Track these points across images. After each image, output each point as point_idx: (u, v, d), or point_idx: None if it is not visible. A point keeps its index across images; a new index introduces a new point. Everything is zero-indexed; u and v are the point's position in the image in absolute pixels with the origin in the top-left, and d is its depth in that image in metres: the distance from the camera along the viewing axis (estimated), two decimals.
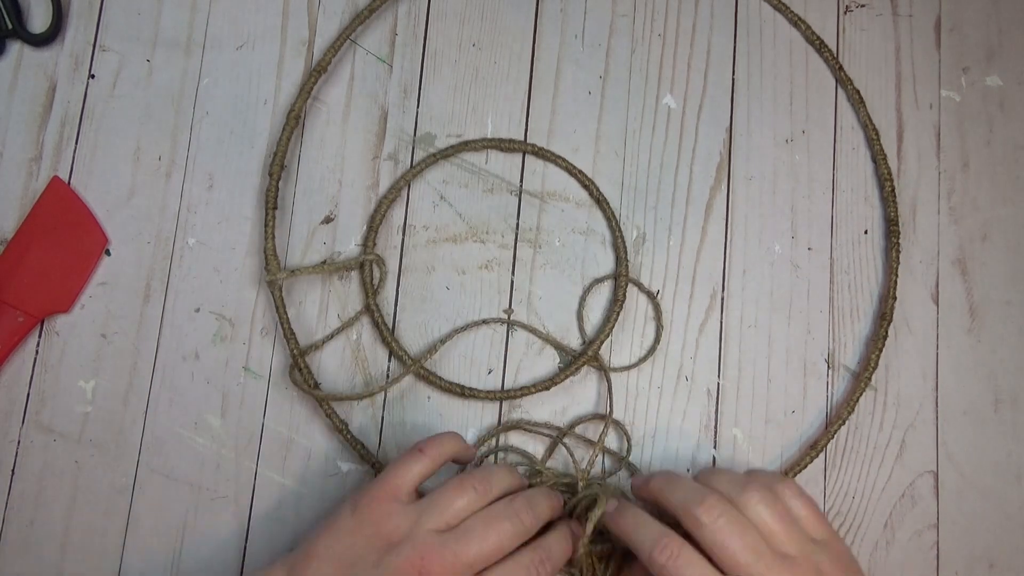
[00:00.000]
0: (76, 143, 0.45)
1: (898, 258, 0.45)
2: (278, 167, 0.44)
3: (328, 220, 0.45)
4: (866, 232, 0.46)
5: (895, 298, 0.45)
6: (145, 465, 0.42)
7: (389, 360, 0.44)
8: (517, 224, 0.45)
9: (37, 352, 0.43)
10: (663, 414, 0.44)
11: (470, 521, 0.36)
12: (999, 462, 0.44)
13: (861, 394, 0.43)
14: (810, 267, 0.45)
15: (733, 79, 0.47)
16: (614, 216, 0.45)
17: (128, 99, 0.46)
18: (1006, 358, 0.45)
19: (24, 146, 0.45)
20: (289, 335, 0.42)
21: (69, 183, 0.45)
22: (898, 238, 0.45)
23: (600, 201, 0.45)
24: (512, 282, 0.45)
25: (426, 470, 0.38)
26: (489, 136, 0.46)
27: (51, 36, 0.45)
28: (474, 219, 0.45)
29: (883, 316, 0.44)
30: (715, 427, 0.44)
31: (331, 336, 0.44)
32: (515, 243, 0.45)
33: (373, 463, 0.42)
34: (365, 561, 0.35)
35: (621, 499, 0.39)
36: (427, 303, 0.45)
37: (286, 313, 0.43)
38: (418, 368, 0.43)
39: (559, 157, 0.46)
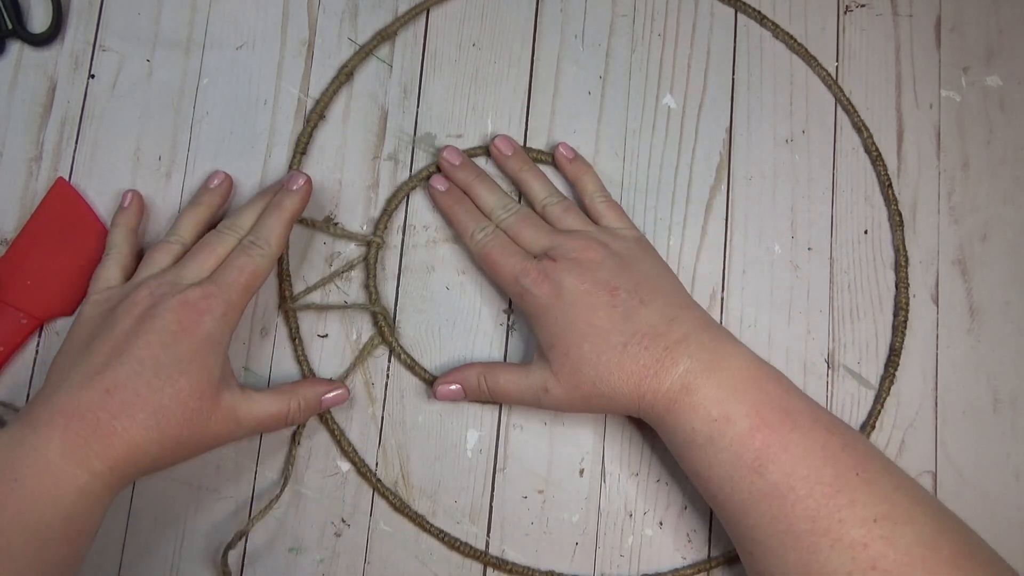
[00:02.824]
0: (76, 143, 0.45)
1: (906, 252, 0.45)
2: (316, 116, 0.45)
3: (328, 220, 0.45)
4: (866, 232, 0.46)
5: (908, 285, 0.45)
6: None
7: (389, 360, 0.44)
8: None
9: (37, 352, 0.43)
10: None
11: (192, 249, 0.40)
12: (998, 462, 0.44)
13: (891, 381, 0.44)
14: (810, 267, 0.45)
15: (733, 79, 0.47)
16: None
17: (128, 99, 0.46)
18: (1006, 358, 0.45)
19: (24, 146, 0.45)
20: (285, 276, 0.44)
21: (69, 183, 0.44)
22: (903, 230, 0.45)
23: None
24: None
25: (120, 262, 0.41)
26: (490, 137, 0.46)
27: (51, 36, 0.45)
28: None
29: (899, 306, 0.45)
30: None
31: (325, 281, 0.44)
32: None
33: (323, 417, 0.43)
34: (96, 327, 0.37)
35: (450, 184, 0.44)
36: (427, 303, 0.45)
37: (287, 255, 0.44)
38: (382, 310, 0.43)
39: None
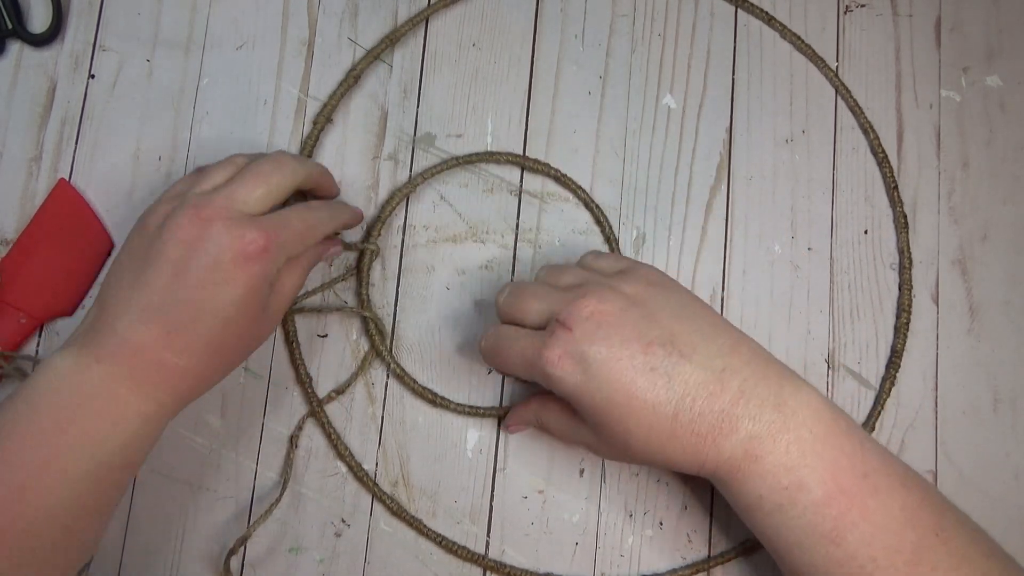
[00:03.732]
0: (76, 143, 0.45)
1: (910, 253, 0.45)
2: (324, 119, 0.45)
3: None
4: (866, 232, 0.46)
5: (911, 287, 0.45)
6: (145, 465, 0.42)
7: (370, 364, 0.44)
8: (517, 224, 0.46)
9: (37, 352, 0.43)
10: None
11: (237, 175, 0.37)
12: (998, 462, 0.44)
13: (892, 382, 0.44)
14: (810, 267, 0.45)
15: (733, 79, 0.47)
16: (615, 238, 0.45)
17: (128, 99, 0.46)
18: (1006, 358, 0.45)
19: (24, 146, 0.45)
20: None
21: (71, 184, 0.44)
22: (907, 232, 0.45)
23: (609, 240, 0.45)
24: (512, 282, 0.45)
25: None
26: (490, 137, 0.46)
27: (51, 36, 0.45)
28: (474, 219, 0.45)
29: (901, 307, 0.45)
30: None
31: (321, 289, 0.44)
32: (515, 243, 0.45)
33: (312, 401, 0.43)
34: (146, 246, 0.35)
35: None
36: (427, 303, 0.45)
37: None
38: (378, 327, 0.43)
39: (579, 187, 0.45)
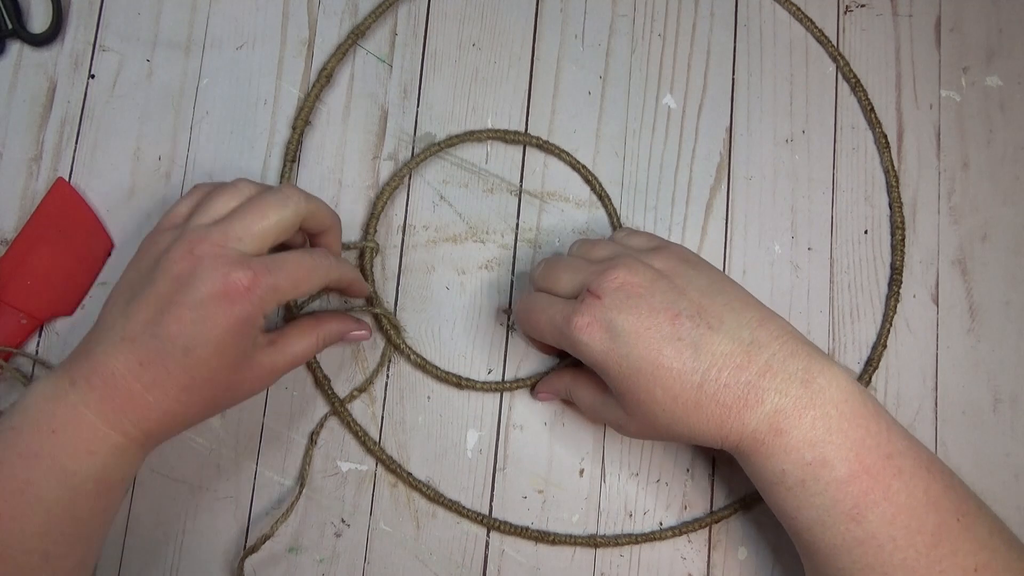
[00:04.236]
0: (76, 143, 0.45)
1: (899, 196, 0.46)
2: (302, 122, 0.45)
3: None
4: (866, 232, 0.46)
5: (903, 228, 0.45)
6: (145, 465, 0.42)
7: (389, 360, 0.44)
8: (517, 224, 0.46)
9: (37, 352, 0.43)
10: None
11: (237, 209, 0.36)
12: (998, 462, 0.44)
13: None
14: (810, 267, 0.46)
15: (733, 79, 0.47)
16: (615, 212, 0.45)
17: (128, 99, 0.46)
18: (1006, 358, 0.45)
19: (24, 146, 0.45)
20: None
21: (69, 183, 0.44)
22: (889, 152, 0.46)
23: (602, 197, 0.45)
24: (512, 282, 0.45)
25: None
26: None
27: (51, 36, 0.45)
28: (474, 219, 0.45)
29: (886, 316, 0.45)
30: None
31: (320, 295, 0.43)
32: (515, 243, 0.45)
33: (332, 400, 0.43)
34: (142, 276, 0.35)
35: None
36: (427, 303, 0.45)
37: None
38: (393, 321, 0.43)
39: (563, 151, 0.46)
